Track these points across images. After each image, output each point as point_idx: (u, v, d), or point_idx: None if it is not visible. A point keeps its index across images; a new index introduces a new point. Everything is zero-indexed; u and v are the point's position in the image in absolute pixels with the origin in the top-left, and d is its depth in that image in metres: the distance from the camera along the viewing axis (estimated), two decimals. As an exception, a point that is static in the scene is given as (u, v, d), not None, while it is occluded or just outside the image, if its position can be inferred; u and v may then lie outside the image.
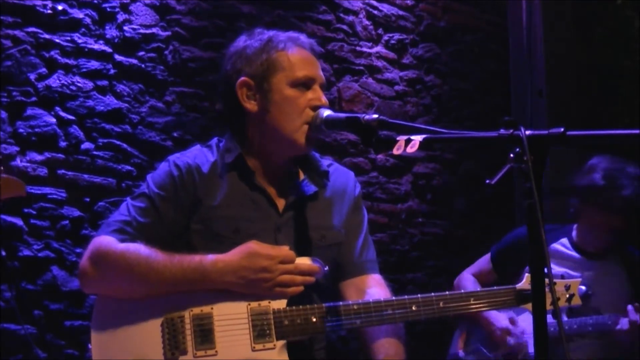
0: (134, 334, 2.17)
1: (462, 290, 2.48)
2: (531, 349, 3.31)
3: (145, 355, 2.15)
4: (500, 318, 3.41)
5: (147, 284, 2.17)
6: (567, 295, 2.47)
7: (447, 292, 2.31)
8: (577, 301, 2.49)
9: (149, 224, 2.26)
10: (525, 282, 2.34)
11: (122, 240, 2.22)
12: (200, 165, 2.32)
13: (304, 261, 2.23)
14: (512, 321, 3.40)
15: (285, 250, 2.20)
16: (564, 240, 3.49)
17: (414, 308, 2.25)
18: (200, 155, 2.36)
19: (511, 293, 2.36)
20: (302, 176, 2.41)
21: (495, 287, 2.39)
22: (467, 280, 3.58)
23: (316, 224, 2.36)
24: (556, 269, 3.35)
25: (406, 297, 2.27)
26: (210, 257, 2.18)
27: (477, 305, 2.34)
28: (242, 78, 2.33)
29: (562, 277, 2.56)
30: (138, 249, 2.19)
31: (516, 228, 3.70)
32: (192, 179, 2.30)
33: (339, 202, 2.43)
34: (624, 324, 3.19)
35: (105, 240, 2.23)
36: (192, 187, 2.29)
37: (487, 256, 3.61)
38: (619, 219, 3.33)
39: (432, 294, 2.30)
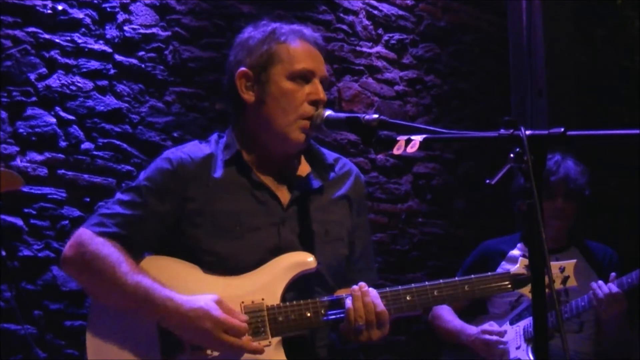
0: (130, 334, 2.16)
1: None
2: (512, 355, 3.37)
3: (142, 356, 2.14)
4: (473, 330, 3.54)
5: (108, 293, 2.17)
6: (562, 277, 2.45)
7: (440, 281, 2.33)
8: (572, 282, 2.47)
9: (133, 216, 2.23)
10: (519, 267, 2.34)
11: (100, 234, 2.20)
12: (194, 159, 2.30)
13: (300, 256, 2.21)
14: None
15: (235, 322, 2.10)
16: (520, 245, 3.58)
17: (408, 298, 2.28)
18: (195, 150, 2.34)
19: (506, 278, 2.35)
20: (308, 170, 2.39)
21: (489, 273, 2.39)
22: (443, 309, 3.71)
23: (320, 219, 2.34)
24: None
25: (400, 287, 2.28)
26: (166, 292, 2.12)
27: (471, 291, 2.34)
28: (242, 69, 2.32)
29: (557, 259, 2.56)
30: (109, 254, 2.17)
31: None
32: (184, 172, 2.27)
33: (344, 199, 2.41)
34: (602, 288, 3.22)
35: (85, 235, 2.22)
36: (185, 180, 2.27)
37: None
38: (559, 203, 3.43)
39: (426, 283, 2.33)
